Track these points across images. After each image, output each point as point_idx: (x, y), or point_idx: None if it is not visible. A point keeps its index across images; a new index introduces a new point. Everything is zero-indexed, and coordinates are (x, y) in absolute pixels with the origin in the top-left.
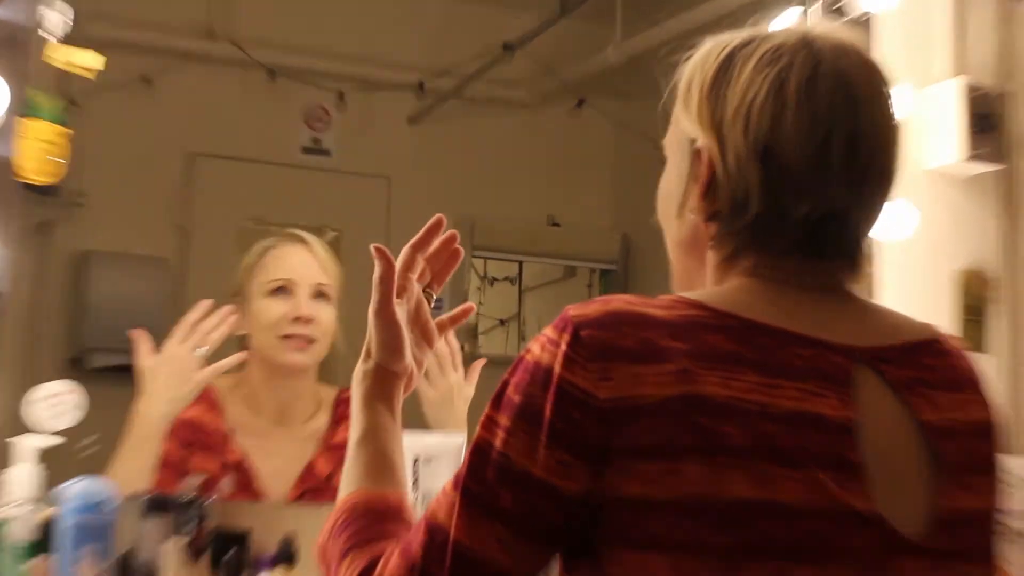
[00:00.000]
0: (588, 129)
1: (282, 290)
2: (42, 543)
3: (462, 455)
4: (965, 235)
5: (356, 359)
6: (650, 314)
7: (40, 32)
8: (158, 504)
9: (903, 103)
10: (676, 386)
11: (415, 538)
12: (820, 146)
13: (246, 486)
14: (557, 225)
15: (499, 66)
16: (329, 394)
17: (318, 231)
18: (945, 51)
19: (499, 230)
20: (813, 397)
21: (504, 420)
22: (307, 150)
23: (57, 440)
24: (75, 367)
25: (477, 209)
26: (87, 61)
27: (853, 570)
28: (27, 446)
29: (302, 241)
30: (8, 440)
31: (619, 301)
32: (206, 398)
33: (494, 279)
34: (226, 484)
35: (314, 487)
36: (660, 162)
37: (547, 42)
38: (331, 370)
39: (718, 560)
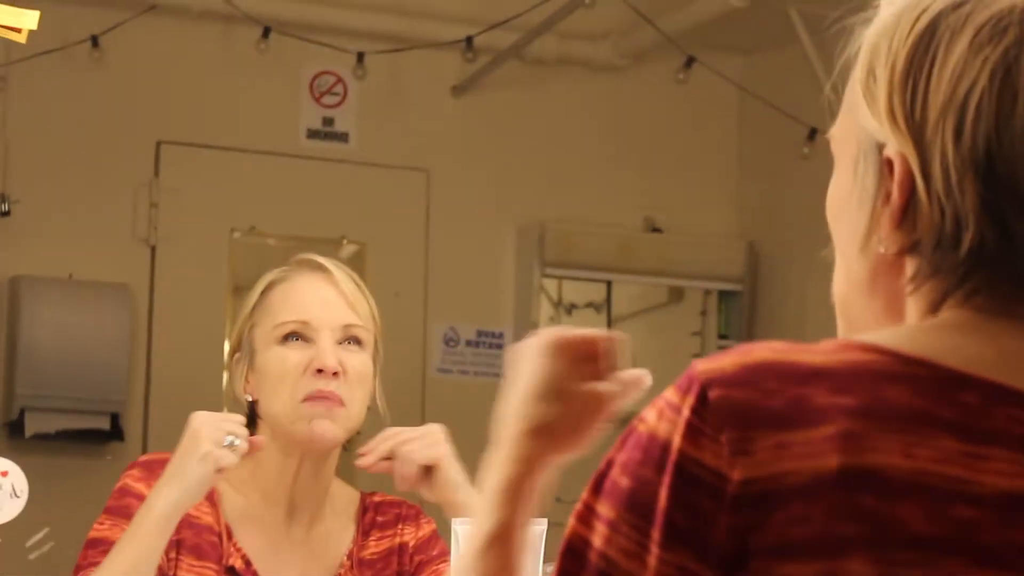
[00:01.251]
0: (701, 98)
1: (296, 336)
2: None
3: (542, 546)
4: None
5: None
6: (805, 363)
7: None
8: None
9: None
10: (835, 456)
11: None
12: None
13: None
14: (658, 231)
15: (576, 15)
16: (349, 496)
17: (333, 244)
18: None
19: (578, 239)
20: None
21: (606, 510)
22: (315, 134)
23: None
24: (10, 435)
25: (547, 211)
26: (14, 19)
27: None
28: None
29: (320, 268)
30: None
31: (764, 349)
32: None
33: (573, 306)
34: None
35: None
36: (800, 142)
37: None
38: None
39: None
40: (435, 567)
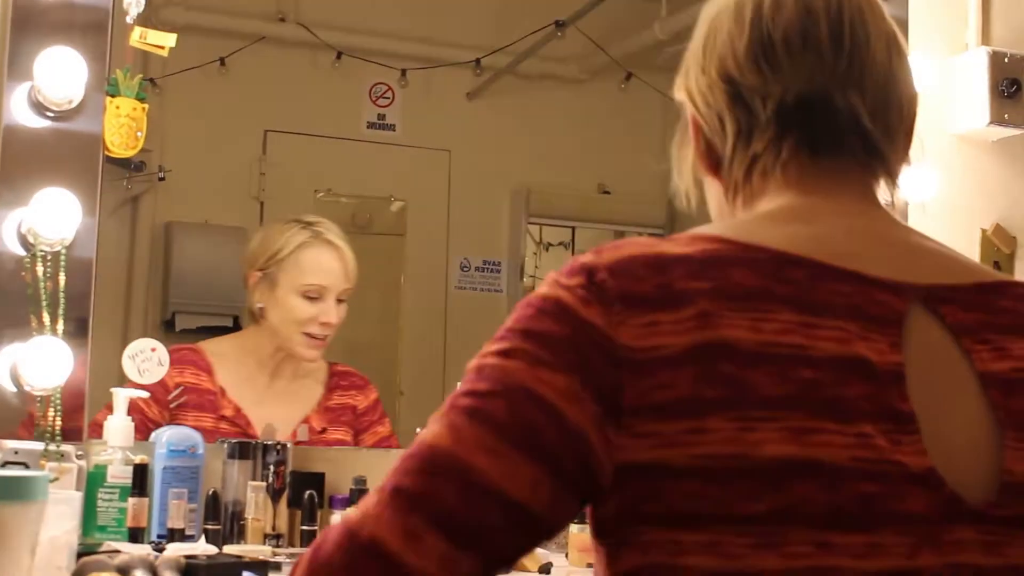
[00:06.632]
0: (636, 102)
1: (314, 293)
2: (138, 485)
3: None
4: (991, 196)
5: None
6: (667, 253)
7: (118, 13)
8: (241, 449)
9: (930, 72)
10: (697, 333)
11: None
12: (766, 44)
13: (243, 435)
14: (608, 193)
15: (551, 43)
16: (320, 364)
17: (385, 201)
18: (974, 20)
19: (553, 198)
20: (857, 340)
21: (495, 346)
22: (372, 125)
23: (147, 393)
24: (167, 329)
25: (532, 179)
26: (160, 40)
27: (906, 539)
28: (122, 397)
29: (335, 246)
30: (108, 391)
31: (633, 244)
32: (194, 362)
33: (549, 244)
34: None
35: (307, 440)
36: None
37: (597, 20)
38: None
39: (751, 532)
40: (375, 428)
